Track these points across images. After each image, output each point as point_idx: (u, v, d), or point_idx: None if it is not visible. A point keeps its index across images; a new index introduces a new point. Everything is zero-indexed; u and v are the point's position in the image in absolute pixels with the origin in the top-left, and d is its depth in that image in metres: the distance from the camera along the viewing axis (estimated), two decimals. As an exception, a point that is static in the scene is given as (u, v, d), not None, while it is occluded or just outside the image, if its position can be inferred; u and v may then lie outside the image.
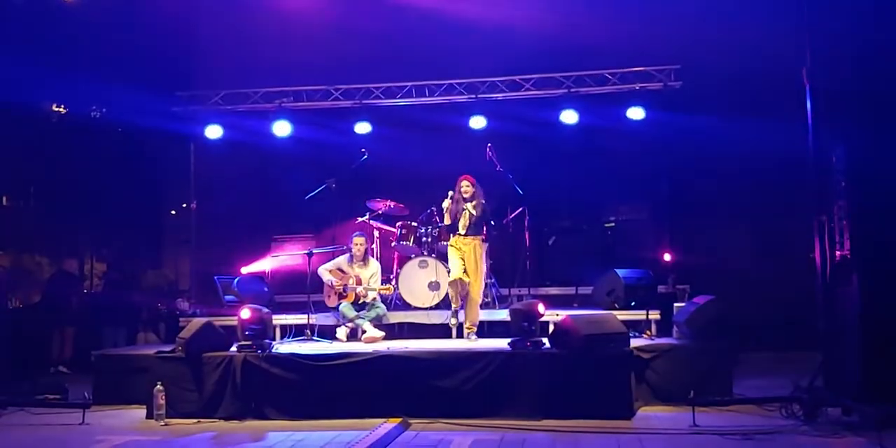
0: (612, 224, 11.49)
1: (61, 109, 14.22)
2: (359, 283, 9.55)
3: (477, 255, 9.13)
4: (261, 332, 8.11)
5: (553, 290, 11.00)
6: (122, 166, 13.80)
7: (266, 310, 8.43)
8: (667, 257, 10.67)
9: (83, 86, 11.68)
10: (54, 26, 10.79)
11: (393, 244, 10.60)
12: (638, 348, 7.88)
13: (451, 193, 9.17)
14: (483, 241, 9.27)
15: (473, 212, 9.08)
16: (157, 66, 11.54)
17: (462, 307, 9.20)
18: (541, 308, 8.03)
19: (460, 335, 9.27)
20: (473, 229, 9.14)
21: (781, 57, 8.75)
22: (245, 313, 8.15)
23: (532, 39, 10.99)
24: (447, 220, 9.21)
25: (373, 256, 10.18)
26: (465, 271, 9.04)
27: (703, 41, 10.41)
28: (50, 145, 13.75)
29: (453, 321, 9.27)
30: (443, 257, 9.77)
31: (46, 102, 14.06)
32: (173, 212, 15.32)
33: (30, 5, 9.86)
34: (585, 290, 10.39)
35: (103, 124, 13.61)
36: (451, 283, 9.14)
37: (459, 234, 9.16)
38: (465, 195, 9.11)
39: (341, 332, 9.44)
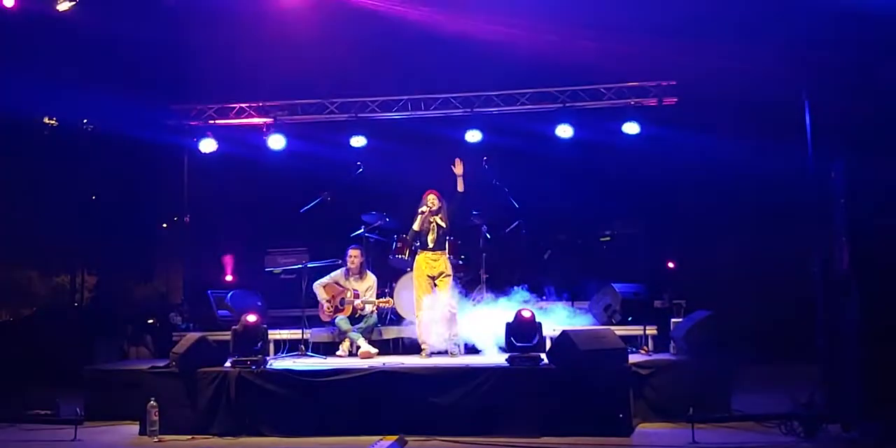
0: (608, 238, 11.46)
1: (53, 122, 14.15)
2: (356, 296, 9.50)
3: (446, 269, 9.16)
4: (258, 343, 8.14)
5: (549, 305, 10.94)
6: (115, 179, 13.72)
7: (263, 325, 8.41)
8: (670, 265, 10.67)
9: (76, 98, 11.61)
10: (47, 39, 10.72)
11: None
12: (636, 364, 7.85)
13: (423, 210, 9.17)
14: (450, 254, 9.33)
15: (442, 224, 9.16)
16: (152, 79, 11.48)
17: (431, 352, 9.04)
18: (525, 313, 8.01)
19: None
20: (441, 243, 9.19)
21: (779, 74, 8.79)
22: (251, 317, 8.18)
23: (527, 54, 10.97)
24: (416, 226, 9.19)
25: (368, 269, 10.11)
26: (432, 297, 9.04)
27: (700, 58, 10.41)
28: (42, 158, 13.67)
29: (424, 355, 9.00)
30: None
31: (38, 115, 13.99)
32: (165, 225, 15.23)
33: (23, 17, 9.78)
34: (582, 304, 10.34)
35: (96, 137, 13.54)
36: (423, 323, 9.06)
37: (428, 249, 9.17)
38: (431, 208, 9.15)
39: (343, 348, 9.38)
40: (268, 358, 8.40)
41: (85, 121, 13.85)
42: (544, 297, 9.92)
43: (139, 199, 14.44)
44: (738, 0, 9.30)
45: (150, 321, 11.55)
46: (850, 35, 7.37)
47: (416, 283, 9.21)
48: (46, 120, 14.17)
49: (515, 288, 9.59)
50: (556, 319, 9.56)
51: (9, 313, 13.68)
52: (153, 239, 15.14)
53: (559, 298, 10.16)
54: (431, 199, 9.21)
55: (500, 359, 8.08)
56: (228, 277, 11.85)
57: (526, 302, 9.31)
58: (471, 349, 9.13)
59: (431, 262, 9.15)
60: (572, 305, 10.12)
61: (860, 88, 7.27)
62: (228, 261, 11.84)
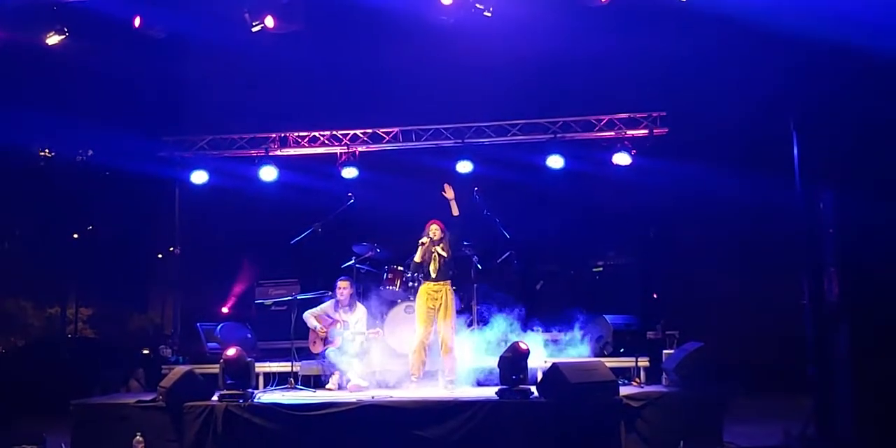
0: (600, 269, 11.42)
1: (47, 153, 14.20)
2: (345, 328, 9.43)
3: (448, 302, 9.07)
4: (243, 376, 8.02)
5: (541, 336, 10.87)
6: (108, 210, 13.74)
7: (250, 358, 8.34)
8: (654, 296, 10.66)
9: (70, 130, 11.67)
10: (41, 71, 10.79)
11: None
12: (627, 397, 7.78)
13: (423, 241, 9.16)
14: (453, 286, 9.24)
15: (443, 253, 9.11)
16: (144, 111, 11.54)
17: (421, 378, 9.02)
18: (523, 345, 7.95)
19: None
20: (444, 273, 9.13)
21: (768, 105, 8.83)
22: (230, 351, 8.08)
23: (519, 85, 11.04)
24: (417, 258, 9.19)
25: (358, 301, 10.04)
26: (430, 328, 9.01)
27: (690, 88, 10.48)
28: (36, 189, 13.70)
29: (413, 387, 8.96)
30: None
31: (33, 147, 14.04)
32: (160, 255, 15.21)
33: (11, 49, 9.85)
34: (573, 335, 10.25)
35: (89, 168, 13.57)
36: (416, 351, 9.03)
37: (431, 279, 9.13)
38: (433, 239, 9.12)
39: (333, 381, 9.30)
40: (255, 391, 8.32)
41: (79, 152, 13.89)
42: (535, 329, 9.85)
43: (133, 229, 14.45)
44: (728, 33, 9.34)
45: (146, 352, 11.49)
46: (839, 68, 7.40)
47: (417, 314, 9.16)
48: (41, 152, 14.22)
49: (506, 318, 9.57)
50: (547, 351, 9.52)
51: (1, 345, 13.62)
52: (147, 270, 15.13)
53: (550, 329, 10.08)
54: (434, 230, 9.17)
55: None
56: (225, 309, 11.80)
57: (516, 333, 9.30)
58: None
59: (433, 294, 9.09)
60: (564, 337, 10.05)
61: (848, 120, 7.28)
62: (236, 291, 11.82)
